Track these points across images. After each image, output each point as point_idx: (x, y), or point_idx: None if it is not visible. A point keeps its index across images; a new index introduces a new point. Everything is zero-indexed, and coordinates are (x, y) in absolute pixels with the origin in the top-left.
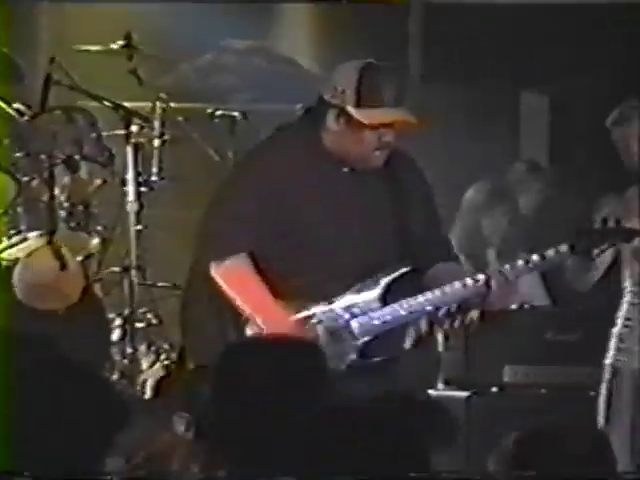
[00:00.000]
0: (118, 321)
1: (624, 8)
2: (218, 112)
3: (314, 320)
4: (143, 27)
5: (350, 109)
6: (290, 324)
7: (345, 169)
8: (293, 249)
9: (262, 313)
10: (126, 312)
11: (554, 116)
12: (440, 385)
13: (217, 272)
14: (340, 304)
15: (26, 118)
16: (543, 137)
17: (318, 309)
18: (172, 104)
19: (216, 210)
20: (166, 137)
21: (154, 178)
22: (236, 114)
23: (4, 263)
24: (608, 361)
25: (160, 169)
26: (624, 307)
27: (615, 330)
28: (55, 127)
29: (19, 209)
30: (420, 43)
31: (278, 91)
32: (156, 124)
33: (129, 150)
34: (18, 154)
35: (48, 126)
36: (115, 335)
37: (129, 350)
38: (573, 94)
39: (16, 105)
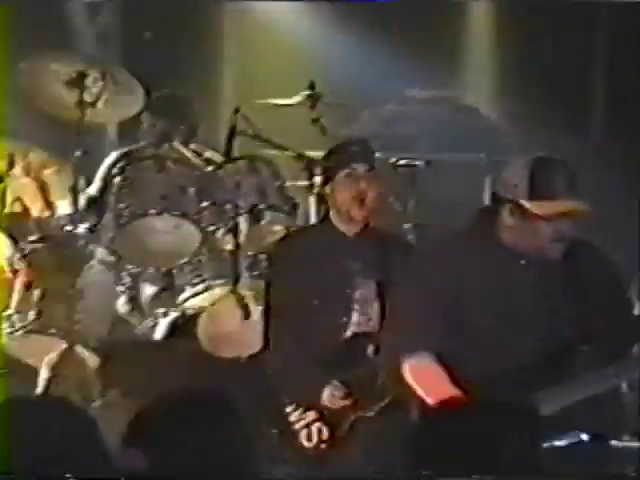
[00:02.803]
0: None
1: None
2: (401, 161)
3: None
4: (326, 76)
5: (524, 202)
6: None
7: (522, 261)
8: (471, 345)
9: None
10: None
11: None
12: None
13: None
14: None
15: (211, 168)
16: None
17: None
18: None
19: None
20: None
21: None
22: (419, 163)
23: (188, 312)
24: None
25: None
26: None
27: None
28: (239, 177)
29: (203, 258)
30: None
31: (460, 141)
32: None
33: (312, 200)
34: (203, 204)
35: (233, 176)
36: None
37: None
38: None
39: (204, 155)
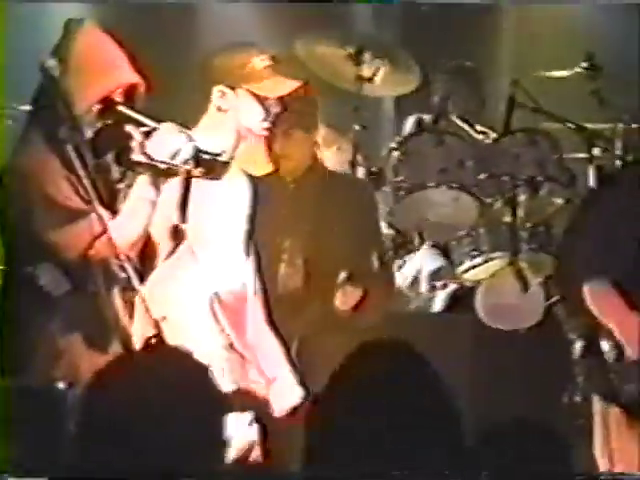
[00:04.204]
0: (579, 343)
1: None
2: None
3: None
4: (604, 47)
5: None
6: None
7: None
8: None
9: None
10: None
11: None
12: None
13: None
14: None
15: (489, 141)
16: None
17: None
18: (634, 125)
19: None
20: (629, 159)
21: None
22: None
23: (467, 284)
24: None
25: None
26: None
27: None
28: (518, 149)
29: (482, 230)
30: None
31: None
32: (618, 146)
33: (591, 172)
34: (481, 176)
35: (511, 148)
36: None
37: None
38: None
39: (480, 128)
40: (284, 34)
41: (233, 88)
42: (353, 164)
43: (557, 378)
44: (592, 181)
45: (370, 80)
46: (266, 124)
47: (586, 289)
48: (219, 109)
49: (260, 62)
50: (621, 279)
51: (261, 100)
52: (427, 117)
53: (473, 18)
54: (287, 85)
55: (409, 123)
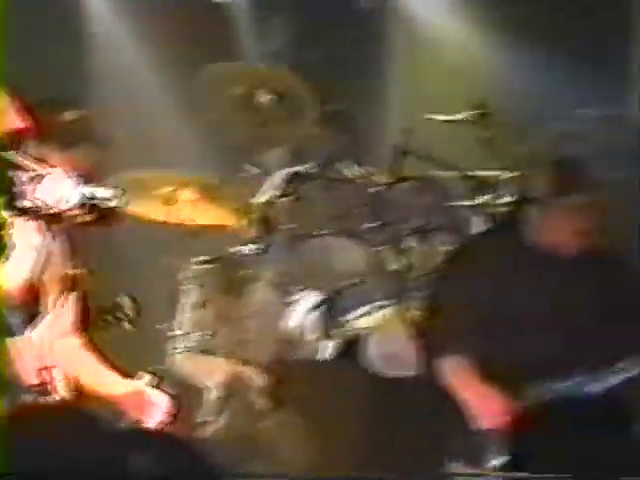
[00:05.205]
0: None
1: None
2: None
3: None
4: (495, 95)
5: (547, 200)
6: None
7: (548, 256)
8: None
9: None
10: None
11: None
12: None
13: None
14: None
15: (379, 188)
16: None
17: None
18: (521, 172)
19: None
20: (513, 207)
21: None
22: None
23: (357, 332)
24: None
25: None
26: None
27: None
28: (407, 197)
29: (371, 278)
30: None
31: (632, 160)
32: (507, 193)
33: (480, 219)
34: (371, 223)
35: (400, 196)
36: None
37: None
38: None
39: (369, 174)
40: None
41: None
42: (244, 211)
43: (443, 426)
44: (481, 229)
45: (263, 125)
46: None
47: (442, 363)
48: None
49: None
50: (477, 354)
51: None
52: (314, 164)
53: (365, 61)
54: None
55: (280, 175)
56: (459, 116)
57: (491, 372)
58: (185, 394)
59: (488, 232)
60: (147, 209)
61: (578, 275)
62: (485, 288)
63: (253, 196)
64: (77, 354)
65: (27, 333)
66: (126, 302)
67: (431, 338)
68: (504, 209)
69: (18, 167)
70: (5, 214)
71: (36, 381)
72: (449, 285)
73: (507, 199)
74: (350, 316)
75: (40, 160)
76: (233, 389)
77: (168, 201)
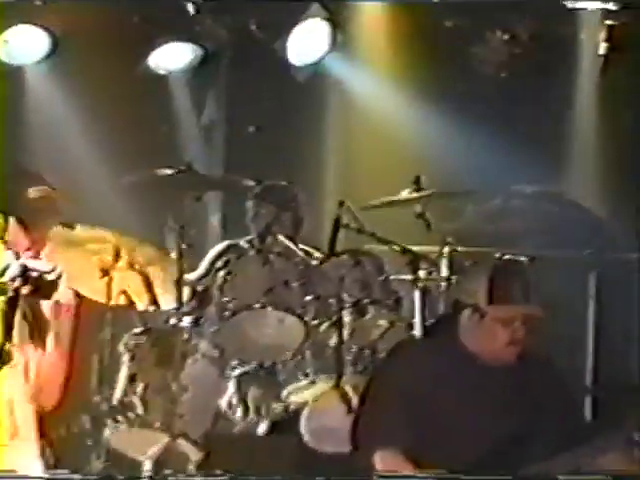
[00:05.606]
0: None
1: None
2: (505, 257)
3: None
4: (431, 171)
5: (482, 307)
6: None
7: (479, 363)
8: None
9: None
10: None
11: None
12: None
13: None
14: None
15: (315, 262)
16: None
17: None
18: (459, 248)
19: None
20: (453, 281)
21: None
22: (523, 259)
23: (292, 406)
24: None
25: None
26: None
27: None
28: (343, 271)
29: (307, 352)
30: None
31: (567, 237)
32: (443, 268)
33: (417, 294)
34: (307, 297)
35: (336, 270)
36: None
37: None
38: None
39: (306, 248)
40: None
41: None
42: (179, 283)
43: None
44: (417, 303)
45: (198, 199)
46: None
47: (377, 456)
48: None
49: None
50: (409, 448)
51: None
52: (250, 238)
53: (300, 135)
54: None
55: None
56: (396, 197)
57: (422, 466)
58: (119, 468)
59: (425, 333)
60: (84, 283)
61: (508, 379)
62: (419, 386)
63: (189, 269)
64: None
65: None
66: None
67: (365, 428)
68: (438, 283)
69: None
70: None
71: None
72: (384, 382)
73: (442, 274)
74: (284, 390)
75: None
76: (167, 463)
77: (105, 270)
